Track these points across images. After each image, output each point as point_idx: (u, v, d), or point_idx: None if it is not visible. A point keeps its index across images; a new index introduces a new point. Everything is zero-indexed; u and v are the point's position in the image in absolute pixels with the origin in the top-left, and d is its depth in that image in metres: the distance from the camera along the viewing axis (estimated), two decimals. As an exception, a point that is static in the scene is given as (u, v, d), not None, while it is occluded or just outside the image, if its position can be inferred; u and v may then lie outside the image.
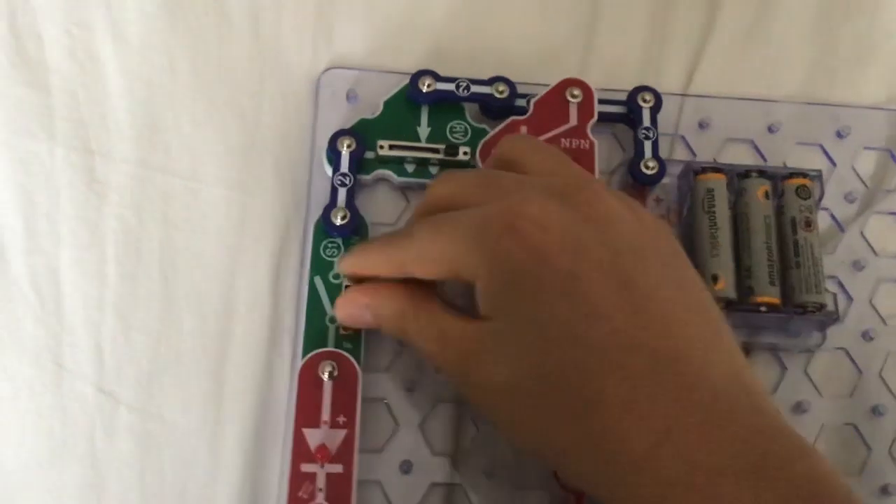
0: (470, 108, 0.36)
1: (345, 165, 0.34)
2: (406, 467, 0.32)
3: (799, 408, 0.34)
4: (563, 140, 0.35)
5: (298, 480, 0.30)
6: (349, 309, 0.31)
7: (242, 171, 0.35)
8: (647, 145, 0.35)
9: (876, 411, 0.34)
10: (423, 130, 0.35)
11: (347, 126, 0.35)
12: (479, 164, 0.34)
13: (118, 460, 0.31)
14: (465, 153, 0.34)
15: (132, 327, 0.32)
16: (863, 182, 0.37)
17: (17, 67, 0.34)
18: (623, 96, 0.36)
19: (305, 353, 0.31)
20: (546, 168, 0.30)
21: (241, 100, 0.35)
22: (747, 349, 0.34)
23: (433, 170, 0.35)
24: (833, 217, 0.37)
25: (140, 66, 0.35)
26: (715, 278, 0.33)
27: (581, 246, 0.26)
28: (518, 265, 0.26)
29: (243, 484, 0.31)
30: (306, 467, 0.30)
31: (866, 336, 0.35)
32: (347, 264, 0.31)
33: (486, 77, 0.35)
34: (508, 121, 0.35)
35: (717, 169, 0.34)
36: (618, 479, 0.25)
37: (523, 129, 0.35)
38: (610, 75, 0.37)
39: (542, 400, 0.26)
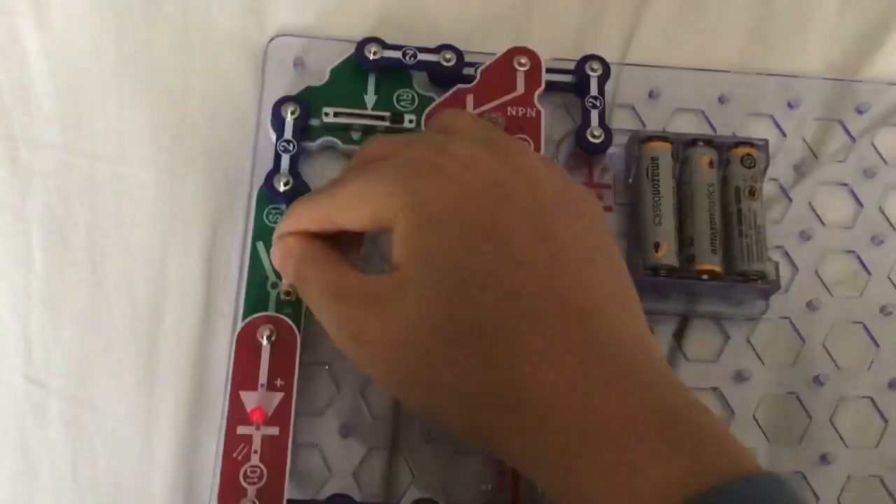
0: (417, 77, 0.36)
1: (288, 132, 0.34)
2: (345, 431, 0.32)
3: (740, 376, 0.34)
4: (509, 108, 0.35)
5: (234, 442, 0.30)
6: (274, 258, 0.31)
7: (172, 154, 0.34)
8: (594, 114, 0.35)
9: (818, 380, 0.34)
10: (370, 98, 0.35)
11: (294, 94, 0.35)
12: (424, 131, 0.34)
13: (49, 449, 0.31)
14: (410, 121, 0.35)
15: (61, 315, 0.32)
16: (812, 152, 0.37)
17: None
18: (572, 65, 0.36)
19: (245, 317, 0.32)
20: (480, 135, 0.30)
21: (169, 81, 0.35)
22: (687, 317, 0.35)
23: (379, 137, 0.35)
24: (782, 187, 0.37)
25: (64, 49, 0.35)
26: (657, 246, 0.33)
27: (506, 192, 0.26)
28: (440, 204, 0.26)
29: (178, 468, 0.31)
30: (242, 429, 0.30)
31: (811, 306, 0.35)
32: (281, 226, 0.31)
33: (433, 45, 0.35)
34: (455, 89, 0.35)
35: (663, 138, 0.34)
36: (528, 430, 0.25)
37: (470, 97, 0.35)
38: (550, 45, 0.37)
39: (453, 349, 0.25)
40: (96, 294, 0.32)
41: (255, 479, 0.30)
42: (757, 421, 0.34)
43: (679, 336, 0.34)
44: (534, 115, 0.35)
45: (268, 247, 0.33)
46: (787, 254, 0.36)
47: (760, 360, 0.34)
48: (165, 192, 0.34)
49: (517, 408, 0.25)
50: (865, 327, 0.35)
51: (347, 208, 0.28)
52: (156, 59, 0.35)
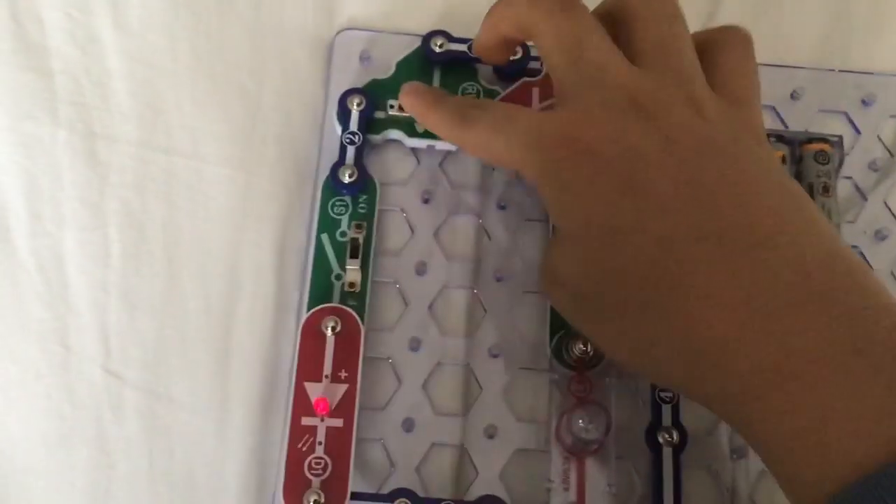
0: (482, 70, 0.35)
1: (354, 124, 0.34)
2: (408, 426, 0.31)
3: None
4: (576, 103, 0.34)
5: (298, 433, 0.30)
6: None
7: (245, 149, 0.34)
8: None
9: None
10: (436, 92, 0.35)
11: (359, 86, 0.35)
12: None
13: (126, 441, 0.31)
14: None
15: (137, 308, 0.32)
16: (888, 150, 0.36)
17: (18, 53, 0.34)
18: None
19: (310, 308, 0.31)
20: (652, 35, 0.28)
21: (242, 78, 0.35)
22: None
23: (444, 131, 0.34)
24: (856, 186, 0.36)
25: (140, 47, 0.35)
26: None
27: (639, 153, 0.26)
28: (571, 175, 0.26)
29: (251, 459, 0.31)
30: (306, 420, 0.30)
31: (887, 307, 0.34)
32: (412, 103, 0.32)
33: (499, 38, 0.35)
34: (520, 82, 0.35)
35: (734, 133, 0.34)
36: (707, 369, 0.24)
37: (535, 90, 0.35)
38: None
39: (620, 301, 0.26)
40: (171, 287, 0.33)
41: (320, 471, 0.29)
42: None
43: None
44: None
45: (332, 239, 0.33)
46: (861, 253, 0.35)
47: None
48: (238, 186, 0.34)
49: (691, 352, 0.24)
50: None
51: (482, 152, 0.30)
52: (229, 56, 0.35)
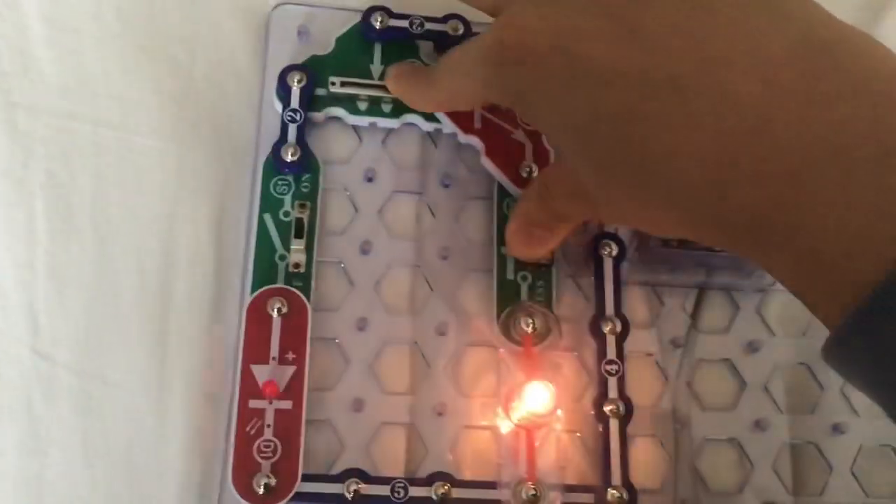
0: (424, 46, 0.35)
1: (295, 101, 0.33)
2: (357, 406, 0.31)
3: (751, 346, 0.34)
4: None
5: (246, 416, 0.29)
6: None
7: (177, 121, 0.33)
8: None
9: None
10: (376, 69, 0.34)
11: (298, 62, 0.34)
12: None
13: (59, 424, 0.30)
14: (418, 89, 0.34)
15: (67, 286, 0.31)
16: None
17: None
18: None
19: (254, 290, 0.31)
20: None
21: (173, 48, 0.34)
22: (702, 289, 0.34)
23: (386, 108, 0.34)
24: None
25: (64, 13, 0.33)
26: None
27: (570, 30, 0.25)
28: (516, 78, 0.27)
29: (192, 441, 0.30)
30: (254, 403, 0.29)
31: (820, 277, 0.35)
32: (398, 90, 0.33)
33: (440, 15, 0.35)
34: (463, 59, 0.34)
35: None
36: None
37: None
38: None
39: (633, 144, 0.24)
40: (102, 264, 0.31)
41: (269, 454, 0.29)
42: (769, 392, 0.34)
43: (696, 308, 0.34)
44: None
45: (275, 219, 0.32)
46: None
47: (771, 331, 0.34)
48: (172, 160, 0.33)
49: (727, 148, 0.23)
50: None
51: (457, 99, 0.32)
52: (158, 26, 0.34)
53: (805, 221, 0.22)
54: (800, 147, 0.22)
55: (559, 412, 0.31)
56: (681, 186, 0.24)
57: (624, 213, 0.27)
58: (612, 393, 0.32)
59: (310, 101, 0.33)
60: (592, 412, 0.32)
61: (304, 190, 0.33)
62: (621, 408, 0.31)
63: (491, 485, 0.30)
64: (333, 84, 0.34)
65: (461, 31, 0.34)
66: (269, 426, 0.29)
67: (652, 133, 0.24)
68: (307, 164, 0.33)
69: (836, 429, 0.33)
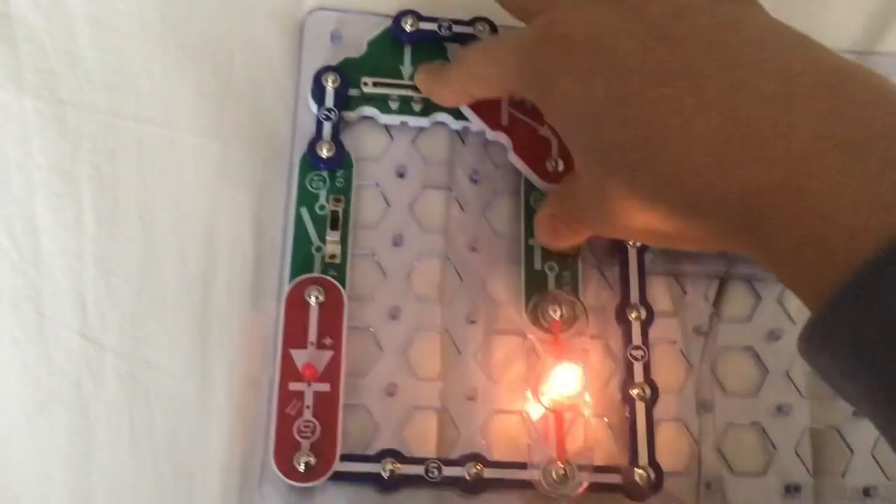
0: (451, 49, 0.36)
1: (329, 101, 0.34)
2: (390, 390, 0.32)
3: (773, 335, 0.35)
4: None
5: (286, 398, 0.30)
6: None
7: (218, 118, 0.35)
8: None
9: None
10: (407, 70, 0.36)
11: (332, 64, 0.35)
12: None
13: (106, 407, 0.31)
14: (447, 89, 0.35)
15: (113, 274, 0.32)
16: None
17: None
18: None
19: (292, 279, 0.32)
20: None
21: (212, 47, 0.36)
22: (723, 279, 0.35)
23: (416, 107, 0.35)
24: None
25: (108, 14, 0.35)
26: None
27: (607, 25, 0.27)
28: (548, 63, 0.28)
29: (234, 423, 0.32)
30: (294, 386, 0.31)
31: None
32: (426, 85, 0.35)
33: (467, 17, 0.36)
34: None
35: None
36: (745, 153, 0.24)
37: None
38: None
39: (639, 138, 0.25)
40: (148, 253, 0.33)
41: (309, 434, 0.30)
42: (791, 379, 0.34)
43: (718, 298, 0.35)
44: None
45: (311, 212, 0.33)
46: None
47: (792, 320, 0.35)
48: (212, 155, 0.34)
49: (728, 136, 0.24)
50: None
51: (483, 83, 0.32)
52: (198, 27, 0.36)
53: (809, 206, 0.22)
54: (811, 136, 0.23)
55: (587, 397, 0.32)
56: (682, 168, 0.24)
57: (620, 209, 0.27)
58: (638, 377, 0.33)
59: (343, 101, 0.35)
60: (619, 397, 0.33)
61: (339, 185, 0.34)
62: (647, 391, 0.32)
63: (521, 465, 0.31)
64: (366, 84, 0.35)
65: (487, 34, 0.36)
66: (308, 407, 0.30)
67: (662, 116, 0.25)
68: (341, 161, 0.34)
69: (857, 413, 0.34)
